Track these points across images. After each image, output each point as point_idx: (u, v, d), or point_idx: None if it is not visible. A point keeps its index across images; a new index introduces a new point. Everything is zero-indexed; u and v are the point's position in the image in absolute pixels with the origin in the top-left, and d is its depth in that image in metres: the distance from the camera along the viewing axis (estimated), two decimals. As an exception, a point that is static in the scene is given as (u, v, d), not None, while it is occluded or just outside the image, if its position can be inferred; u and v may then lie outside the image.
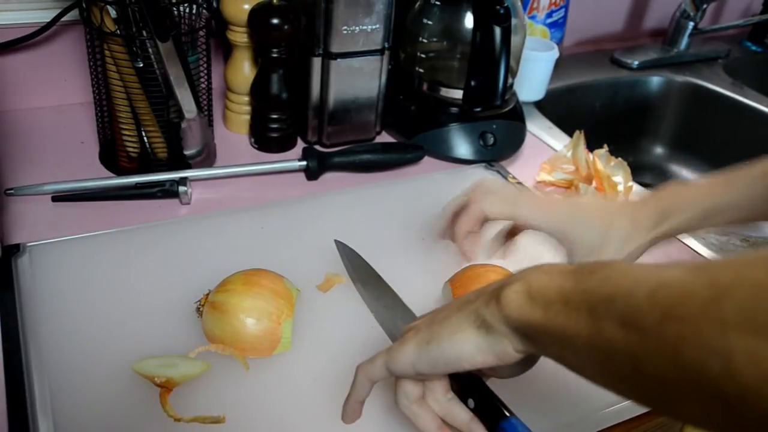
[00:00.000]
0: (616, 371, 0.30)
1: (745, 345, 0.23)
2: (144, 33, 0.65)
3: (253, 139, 0.83)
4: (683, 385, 0.26)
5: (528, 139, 0.88)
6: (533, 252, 0.61)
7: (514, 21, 0.76)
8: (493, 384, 0.42)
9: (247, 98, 0.83)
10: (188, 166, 0.73)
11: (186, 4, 0.69)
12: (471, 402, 0.41)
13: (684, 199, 0.54)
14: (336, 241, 0.63)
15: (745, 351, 0.23)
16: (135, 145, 0.72)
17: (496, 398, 0.41)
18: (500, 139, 0.83)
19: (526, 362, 0.40)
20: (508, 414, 0.39)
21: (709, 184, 0.54)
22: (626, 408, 0.53)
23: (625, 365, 0.29)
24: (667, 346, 0.26)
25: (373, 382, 0.42)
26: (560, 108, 1.04)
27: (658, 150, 1.23)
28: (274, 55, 0.76)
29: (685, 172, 1.20)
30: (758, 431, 0.24)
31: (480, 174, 0.82)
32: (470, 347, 0.37)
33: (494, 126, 0.83)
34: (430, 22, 0.83)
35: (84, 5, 0.65)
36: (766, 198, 0.52)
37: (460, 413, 0.41)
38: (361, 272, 0.61)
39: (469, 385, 0.42)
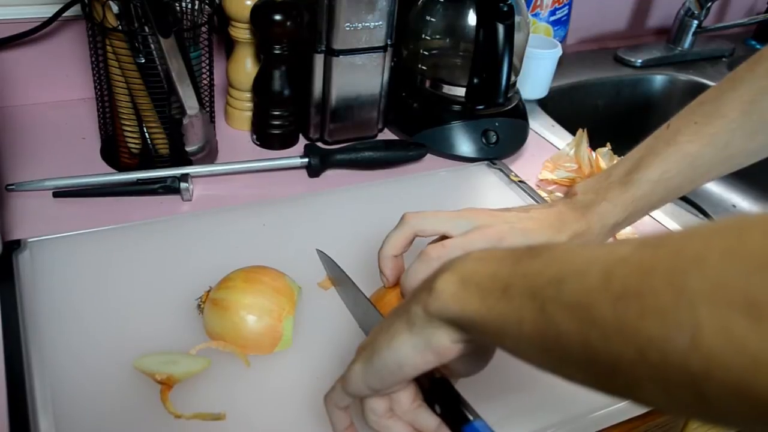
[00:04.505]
0: (565, 356, 0.28)
1: (716, 316, 0.22)
2: (146, 29, 0.65)
3: (254, 136, 0.82)
4: (641, 365, 0.24)
5: (531, 138, 0.88)
6: None
7: (517, 18, 0.75)
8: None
9: (249, 95, 0.83)
10: (190, 163, 0.73)
11: (188, 0, 0.69)
12: (438, 408, 0.40)
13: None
14: (317, 250, 0.62)
15: (715, 323, 0.22)
16: (136, 141, 0.72)
17: (461, 402, 0.39)
18: (503, 137, 0.83)
19: (479, 356, 0.39)
20: (471, 418, 0.38)
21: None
22: (626, 408, 0.53)
23: (576, 349, 0.27)
24: (625, 325, 0.25)
25: (343, 408, 0.41)
26: (563, 106, 1.04)
27: (661, 149, 1.22)
28: (277, 52, 0.76)
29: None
30: (720, 407, 0.22)
31: (482, 172, 0.81)
32: (407, 350, 0.36)
33: (497, 124, 0.83)
34: (432, 20, 0.82)
35: (86, 1, 0.65)
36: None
37: (428, 420, 0.40)
38: (340, 280, 0.59)
39: (435, 391, 0.41)
